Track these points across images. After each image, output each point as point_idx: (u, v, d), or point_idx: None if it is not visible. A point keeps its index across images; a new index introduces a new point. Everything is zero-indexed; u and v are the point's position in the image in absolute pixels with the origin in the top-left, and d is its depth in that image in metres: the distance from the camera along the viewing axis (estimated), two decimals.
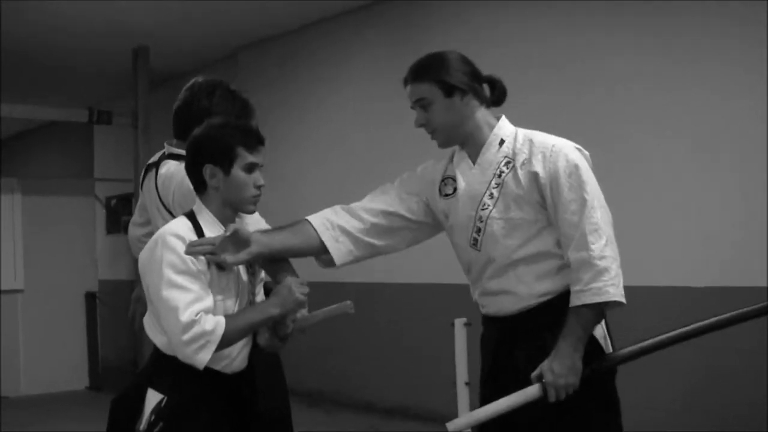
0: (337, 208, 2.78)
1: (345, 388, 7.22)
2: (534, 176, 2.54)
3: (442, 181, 2.73)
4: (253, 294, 2.65)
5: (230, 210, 2.59)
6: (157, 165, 3.10)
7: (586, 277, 2.45)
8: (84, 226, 9.45)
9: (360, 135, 7.03)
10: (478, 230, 2.61)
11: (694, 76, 5.01)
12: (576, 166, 2.52)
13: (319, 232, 2.72)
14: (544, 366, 2.45)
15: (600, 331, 2.58)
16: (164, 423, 2.46)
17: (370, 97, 6.95)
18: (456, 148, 2.72)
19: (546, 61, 5.73)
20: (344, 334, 7.09)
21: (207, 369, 2.47)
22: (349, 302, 2.56)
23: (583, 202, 2.49)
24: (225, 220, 2.58)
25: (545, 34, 5.74)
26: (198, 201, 2.60)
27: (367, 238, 2.73)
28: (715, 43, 4.93)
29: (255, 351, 2.66)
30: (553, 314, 2.54)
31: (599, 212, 2.50)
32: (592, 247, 2.46)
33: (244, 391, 2.63)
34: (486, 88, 2.69)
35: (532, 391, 2.46)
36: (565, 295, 2.53)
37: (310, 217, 2.76)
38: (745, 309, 2.65)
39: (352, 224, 2.72)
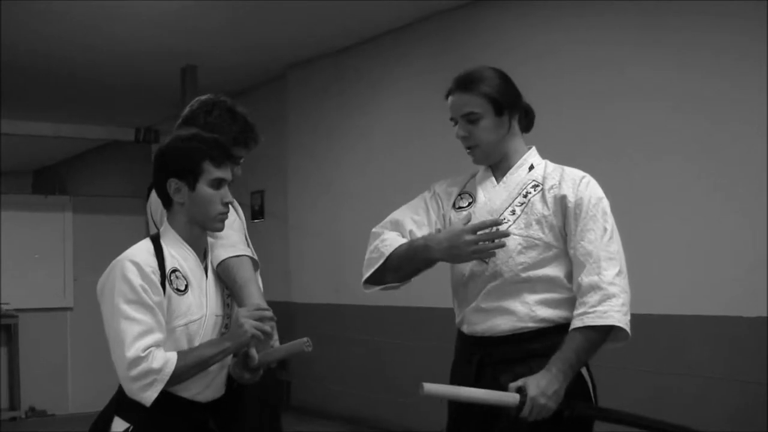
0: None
1: (389, 415, 7.11)
2: (562, 199, 2.53)
3: (459, 195, 2.70)
4: (229, 317, 2.53)
5: (197, 228, 2.47)
6: None
7: (592, 300, 2.41)
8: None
9: (404, 151, 6.98)
10: None
11: (710, 114, 4.87)
12: (601, 199, 2.54)
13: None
14: (530, 380, 2.35)
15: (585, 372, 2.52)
16: None
17: (416, 115, 6.90)
18: (480, 167, 2.70)
19: (557, 74, 5.64)
20: (392, 361, 7.07)
21: (176, 398, 2.37)
22: (305, 339, 2.41)
23: (602, 232, 2.48)
24: (193, 239, 2.47)
25: (561, 44, 5.66)
26: (165, 219, 2.50)
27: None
28: (723, 59, 4.81)
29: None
30: (545, 343, 2.47)
31: (616, 245, 2.50)
32: (604, 273, 2.43)
33: (213, 420, 2.49)
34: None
35: (508, 398, 2.35)
36: (560, 328, 2.48)
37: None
38: None
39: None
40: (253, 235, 2.96)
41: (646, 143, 5.16)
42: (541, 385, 2.33)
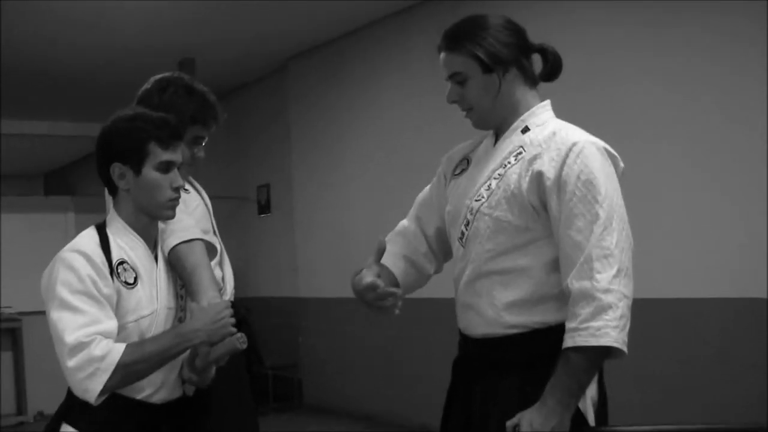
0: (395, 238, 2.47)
1: (402, 411, 6.99)
2: (538, 176, 2.08)
3: (460, 161, 2.38)
4: (183, 310, 2.33)
5: (145, 216, 2.24)
6: None
7: (584, 313, 1.98)
8: None
9: (409, 140, 6.85)
10: (467, 223, 2.19)
11: (704, 85, 4.82)
12: (593, 173, 2.04)
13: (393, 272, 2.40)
14: (524, 416, 2.00)
15: (590, 391, 2.09)
16: None
17: (419, 102, 6.76)
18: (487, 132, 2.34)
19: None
20: (404, 355, 6.95)
21: (127, 399, 2.18)
22: (240, 334, 2.19)
23: (593, 219, 2.02)
24: (142, 227, 2.25)
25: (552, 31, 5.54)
26: (111, 206, 2.29)
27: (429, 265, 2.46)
28: (724, 45, 4.74)
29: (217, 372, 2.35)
30: (520, 351, 2.12)
31: (615, 236, 2.02)
32: (598, 276, 1.98)
33: (169, 424, 2.29)
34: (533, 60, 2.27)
35: None
36: (536, 333, 2.11)
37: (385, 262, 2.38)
38: None
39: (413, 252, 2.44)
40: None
41: (647, 127, 5.08)
42: (536, 424, 1.98)
